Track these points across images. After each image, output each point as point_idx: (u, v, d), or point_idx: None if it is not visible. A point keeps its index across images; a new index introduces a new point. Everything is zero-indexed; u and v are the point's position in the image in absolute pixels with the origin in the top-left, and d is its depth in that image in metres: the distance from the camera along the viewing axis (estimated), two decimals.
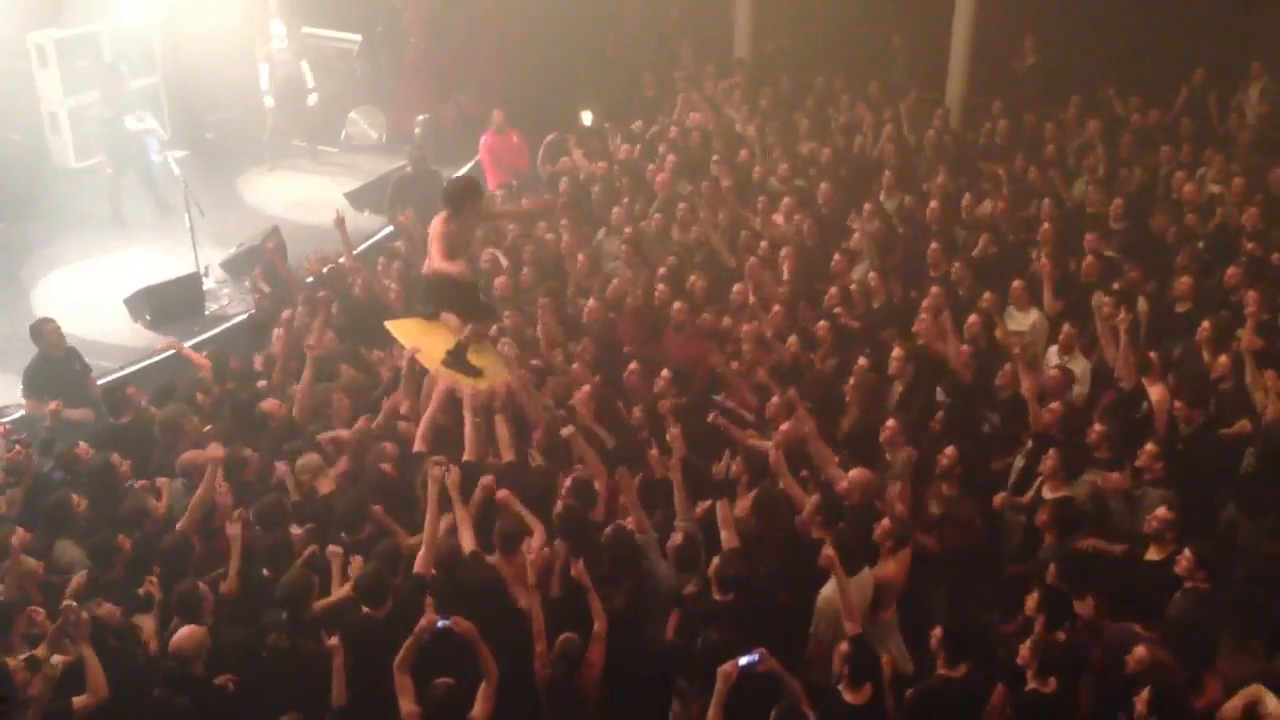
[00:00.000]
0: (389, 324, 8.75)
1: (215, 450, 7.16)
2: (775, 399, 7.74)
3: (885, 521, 6.39)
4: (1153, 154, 11.72)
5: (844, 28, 15.53)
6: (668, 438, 7.08)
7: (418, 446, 7.43)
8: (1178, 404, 7.41)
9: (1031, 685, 5.49)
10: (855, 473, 6.81)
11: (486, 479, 6.82)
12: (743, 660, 5.36)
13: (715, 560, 6.11)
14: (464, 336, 8.33)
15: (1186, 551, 6.01)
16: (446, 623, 5.54)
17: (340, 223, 10.35)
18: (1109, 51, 14.03)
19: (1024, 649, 5.54)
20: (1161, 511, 6.35)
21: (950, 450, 6.95)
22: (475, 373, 8.18)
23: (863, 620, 5.93)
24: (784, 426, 7.27)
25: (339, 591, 6.43)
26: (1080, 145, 12.23)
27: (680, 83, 14.59)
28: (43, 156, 14.02)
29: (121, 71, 13.31)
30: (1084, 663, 5.74)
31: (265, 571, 6.48)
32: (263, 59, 14.70)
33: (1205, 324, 8.18)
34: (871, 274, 9.44)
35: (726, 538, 6.33)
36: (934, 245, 9.82)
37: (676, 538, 6.39)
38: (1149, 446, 6.95)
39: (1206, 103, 12.76)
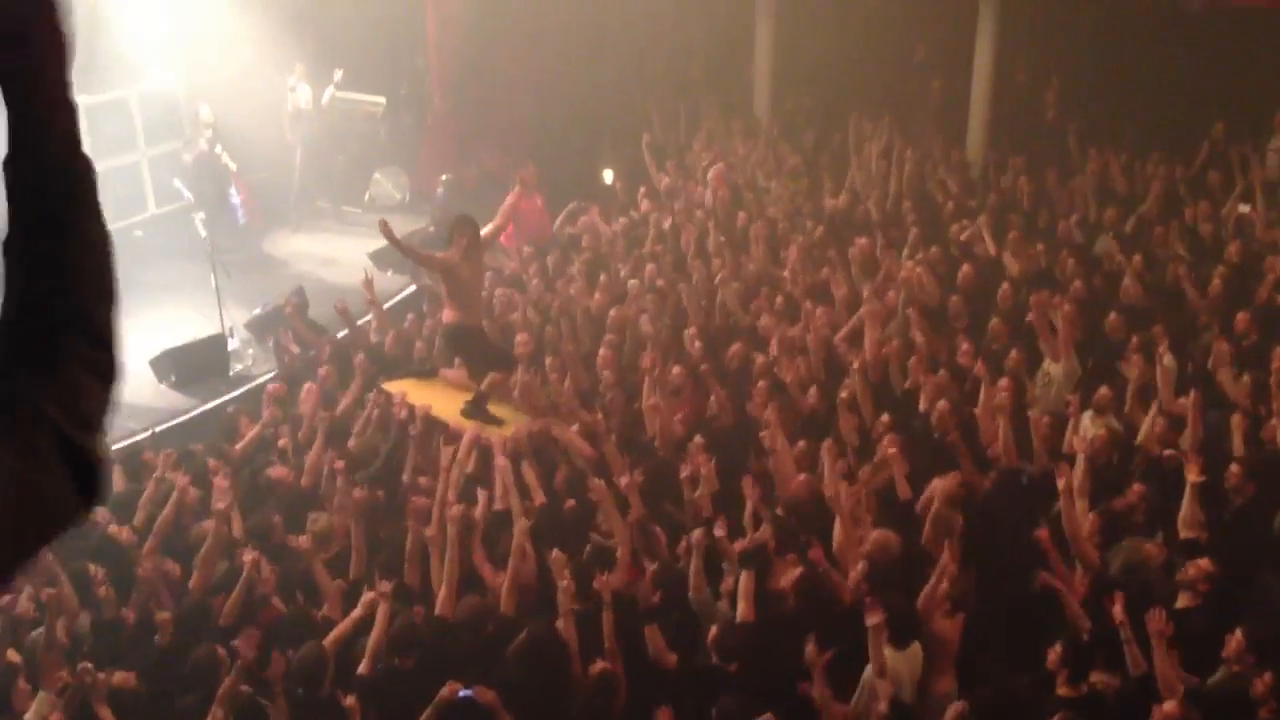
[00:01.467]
0: (386, 386, 8.79)
1: (220, 500, 7.09)
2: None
3: (943, 584, 6.22)
4: (1177, 207, 11.66)
5: (867, 79, 15.59)
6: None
7: (450, 497, 7.36)
8: (1233, 469, 7.15)
9: None
10: (879, 534, 6.70)
11: (522, 523, 6.76)
12: (461, 692, 5.37)
13: (713, 629, 6.02)
14: (484, 387, 8.43)
15: (1238, 634, 5.74)
16: (469, 693, 5.45)
17: (368, 284, 10.46)
18: (1130, 105, 13.99)
19: None
20: (1204, 562, 6.18)
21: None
22: (497, 421, 8.26)
23: (913, 696, 5.79)
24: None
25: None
26: (1098, 197, 12.19)
27: (701, 140, 14.69)
28: None
29: (201, 114, 13.52)
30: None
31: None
32: (290, 117, 14.90)
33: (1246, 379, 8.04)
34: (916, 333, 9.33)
35: (744, 610, 6.19)
36: (954, 298, 9.81)
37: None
38: (1199, 515, 6.75)
39: (1228, 157, 12.69)
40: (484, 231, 8.76)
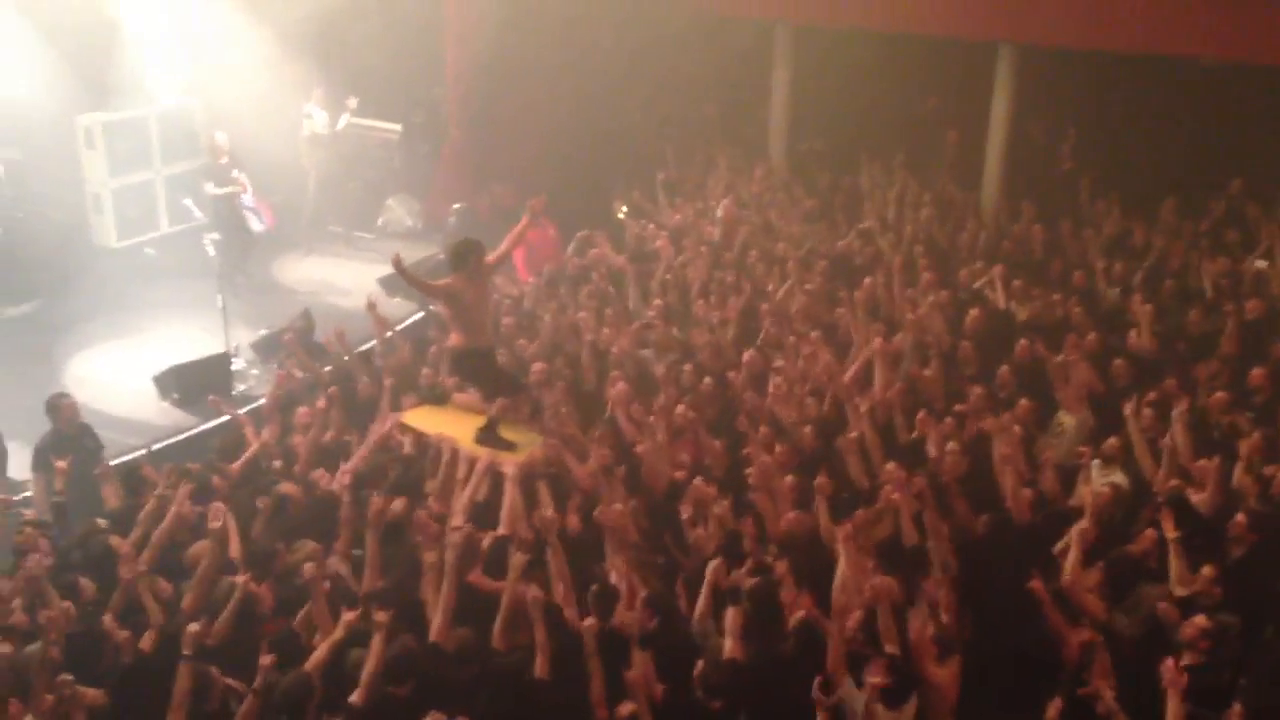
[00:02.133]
0: (403, 418, 8.77)
1: (216, 517, 7.00)
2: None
3: (930, 630, 6.12)
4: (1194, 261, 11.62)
5: (881, 125, 15.62)
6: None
7: (457, 523, 7.26)
8: (1238, 519, 7.10)
9: None
10: (880, 581, 6.58)
11: (518, 558, 6.62)
12: None
13: (700, 664, 5.93)
14: (493, 413, 8.41)
15: (1237, 707, 5.66)
16: None
17: (372, 307, 10.45)
18: (1146, 160, 13.98)
19: None
20: (1200, 619, 6.07)
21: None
22: (510, 446, 8.24)
23: None
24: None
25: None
26: (1112, 250, 12.17)
27: (715, 178, 14.72)
28: (84, 236, 14.23)
29: (218, 140, 13.66)
30: None
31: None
32: (306, 141, 14.96)
33: (1256, 436, 7.95)
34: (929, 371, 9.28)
35: (730, 647, 6.08)
36: (965, 344, 9.75)
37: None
38: (1205, 570, 6.62)
39: (1245, 213, 12.64)
40: (489, 256, 8.69)
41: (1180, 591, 6.58)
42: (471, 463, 7.94)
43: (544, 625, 6.00)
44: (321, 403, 8.99)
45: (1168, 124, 14.04)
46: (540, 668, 5.92)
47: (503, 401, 8.52)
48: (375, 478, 8.06)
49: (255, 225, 13.90)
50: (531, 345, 10.37)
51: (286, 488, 7.94)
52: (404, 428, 8.73)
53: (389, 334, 10.57)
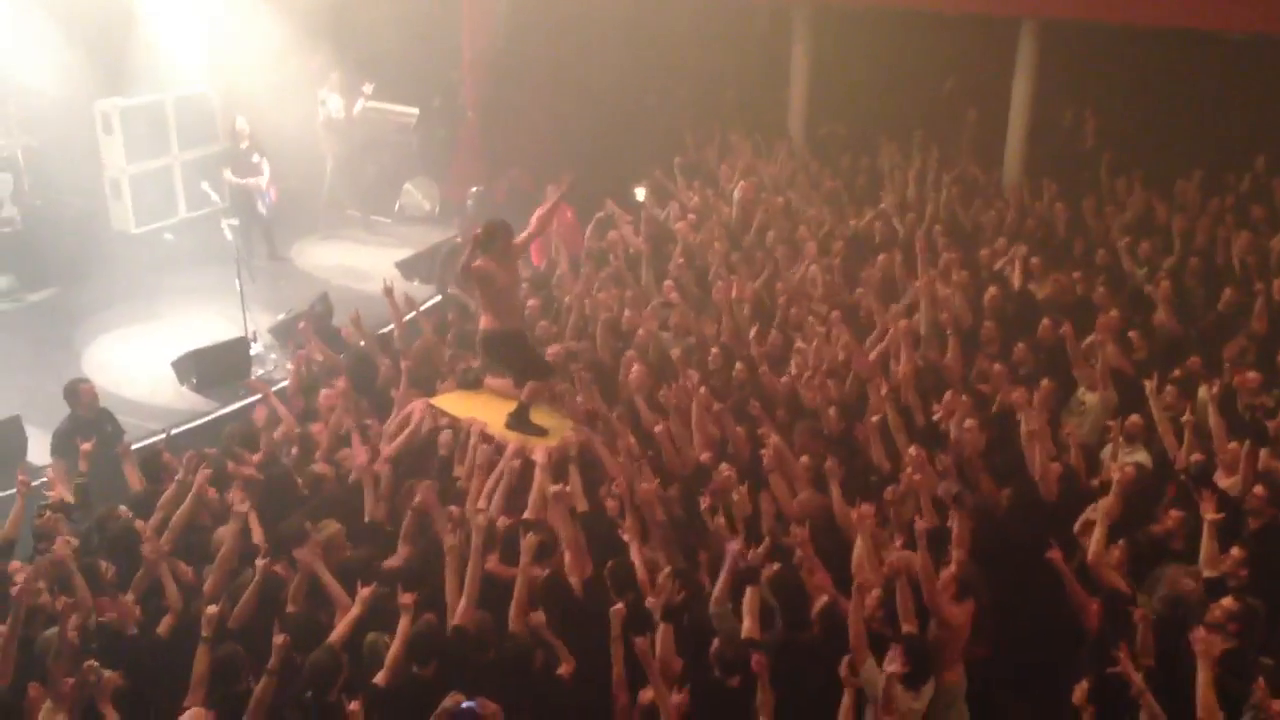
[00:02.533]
0: (434, 402, 8.72)
1: (240, 504, 7.01)
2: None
3: (951, 569, 6.15)
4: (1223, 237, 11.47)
5: (900, 106, 15.49)
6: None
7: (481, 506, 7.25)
8: (1257, 490, 6.99)
9: None
10: (898, 556, 6.52)
11: (530, 539, 6.59)
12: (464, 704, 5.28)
13: (715, 642, 5.93)
14: (524, 397, 8.35)
15: (1261, 681, 5.54)
16: (472, 704, 5.33)
17: (389, 291, 10.40)
18: (1170, 136, 13.81)
19: None
20: (1227, 601, 5.98)
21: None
22: (541, 432, 8.19)
23: None
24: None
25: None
26: (1131, 225, 12.03)
27: (733, 160, 14.62)
28: (103, 222, 14.26)
29: (238, 125, 13.72)
30: None
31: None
32: (322, 125, 14.94)
33: None
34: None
35: (748, 626, 6.11)
36: (988, 324, 9.65)
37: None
38: (1234, 551, 6.51)
39: (1271, 189, 12.46)
40: (518, 238, 8.63)
41: (1210, 573, 6.48)
42: (501, 447, 7.89)
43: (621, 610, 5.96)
44: (341, 383, 8.93)
45: (1192, 99, 13.87)
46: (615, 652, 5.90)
47: (534, 385, 8.43)
48: (409, 461, 8.07)
49: (260, 207, 13.91)
50: (553, 328, 10.34)
51: (321, 468, 7.92)
52: (436, 411, 8.65)
53: (407, 317, 10.51)
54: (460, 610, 6.21)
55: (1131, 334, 9.35)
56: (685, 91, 16.66)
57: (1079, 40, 13.81)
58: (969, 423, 7.80)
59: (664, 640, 5.95)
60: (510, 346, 8.53)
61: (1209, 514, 6.61)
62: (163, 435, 9.26)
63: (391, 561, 6.97)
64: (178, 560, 6.87)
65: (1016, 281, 10.75)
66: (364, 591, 6.31)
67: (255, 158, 13.80)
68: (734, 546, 6.38)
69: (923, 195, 13.14)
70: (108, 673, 5.67)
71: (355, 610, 6.27)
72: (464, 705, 5.33)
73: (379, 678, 5.88)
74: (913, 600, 6.01)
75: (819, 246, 11.43)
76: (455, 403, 8.77)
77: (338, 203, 15.38)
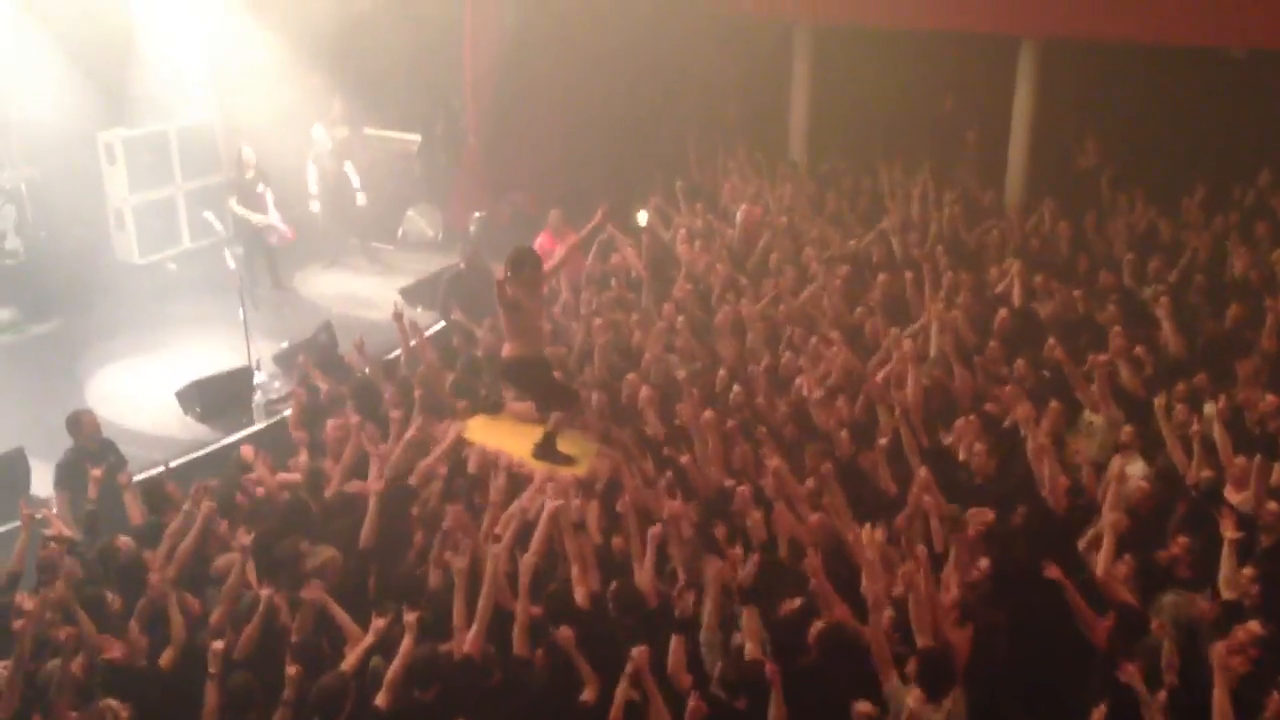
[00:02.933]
0: (460, 429, 8.60)
1: (242, 538, 7.01)
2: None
3: (953, 592, 6.16)
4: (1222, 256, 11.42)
5: (902, 126, 15.50)
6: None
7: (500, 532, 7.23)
8: (1270, 506, 6.96)
9: None
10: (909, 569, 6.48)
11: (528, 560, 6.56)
12: None
13: (720, 663, 5.93)
14: (550, 426, 8.30)
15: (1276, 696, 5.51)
16: None
17: (399, 316, 10.36)
18: (1172, 153, 13.80)
19: None
20: (1253, 625, 5.91)
21: (984, 563, 6.62)
22: (568, 460, 8.16)
23: None
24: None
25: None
26: (1135, 242, 11.99)
27: (735, 182, 14.63)
28: (106, 252, 14.26)
29: (244, 155, 13.77)
30: None
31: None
32: (311, 160, 14.96)
33: None
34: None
35: (750, 650, 6.08)
36: (993, 344, 9.61)
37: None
38: (1245, 570, 6.46)
39: (1274, 205, 12.43)
40: (546, 266, 8.68)
41: (1230, 595, 6.42)
42: (528, 478, 7.82)
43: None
44: (354, 419, 8.74)
45: (1194, 116, 13.85)
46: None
47: (558, 415, 8.40)
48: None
49: (272, 240, 13.93)
50: (560, 349, 10.31)
51: (354, 486, 7.89)
52: (462, 440, 8.54)
53: (412, 343, 10.46)
54: (470, 638, 6.14)
55: (1138, 350, 9.30)
56: (688, 111, 16.68)
57: (1080, 58, 13.83)
58: (978, 446, 7.77)
59: (675, 652, 5.95)
60: (534, 373, 8.54)
61: (1229, 532, 6.53)
62: (161, 467, 9.24)
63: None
64: (183, 590, 6.83)
65: (1017, 299, 10.71)
66: (378, 623, 6.30)
67: (260, 188, 13.82)
68: (714, 570, 6.37)
69: (925, 215, 13.13)
70: (124, 714, 5.63)
71: (369, 639, 6.26)
72: None
73: (379, 699, 5.85)
74: (928, 613, 5.96)
75: (824, 268, 11.40)
76: (480, 430, 8.70)
77: (334, 233, 15.38)
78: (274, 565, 7.04)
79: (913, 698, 5.59)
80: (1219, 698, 5.45)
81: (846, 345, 9.60)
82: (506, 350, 8.44)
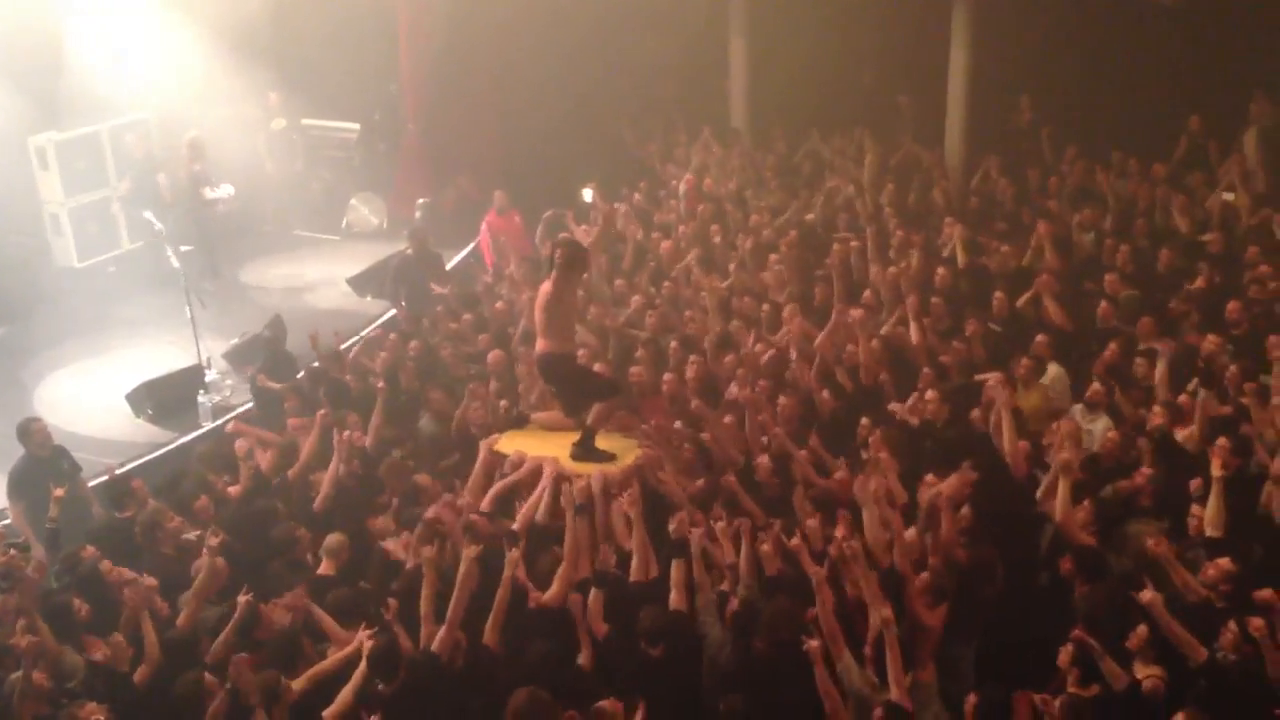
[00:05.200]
0: (496, 446, 8.30)
1: (211, 539, 6.89)
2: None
3: (926, 575, 6.20)
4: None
5: (841, 93, 15.58)
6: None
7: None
8: (1221, 442, 7.08)
9: None
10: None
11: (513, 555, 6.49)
12: None
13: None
14: (591, 422, 7.99)
15: (1232, 624, 5.68)
16: None
17: (314, 339, 10.43)
18: (1106, 103, 14.00)
19: (1054, 707, 5.31)
20: (1224, 562, 6.07)
21: (966, 510, 6.75)
22: (609, 457, 7.88)
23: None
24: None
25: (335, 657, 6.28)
26: (1074, 196, 12.18)
27: (678, 155, 14.69)
28: (45, 258, 14.02)
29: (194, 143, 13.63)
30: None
31: None
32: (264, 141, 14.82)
33: (1233, 368, 8.00)
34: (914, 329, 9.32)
35: (675, 598, 6.26)
36: (935, 300, 9.77)
37: (734, 603, 6.23)
38: (1195, 509, 6.64)
39: (1207, 149, 12.66)
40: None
41: (1213, 533, 6.57)
42: (571, 480, 7.56)
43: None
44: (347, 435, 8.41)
45: (1128, 66, 14.04)
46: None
47: (599, 409, 8.01)
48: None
49: (220, 209, 13.85)
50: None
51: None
52: (500, 454, 8.22)
53: (364, 333, 10.42)
54: (440, 639, 6.05)
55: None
56: (626, 88, 16.67)
57: (1013, 14, 13.94)
58: (930, 394, 7.91)
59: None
60: (569, 369, 8.10)
61: (1218, 470, 6.69)
62: (121, 470, 9.15)
63: None
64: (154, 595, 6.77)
65: (961, 259, 10.85)
66: (365, 633, 6.26)
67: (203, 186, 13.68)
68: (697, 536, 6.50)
69: (870, 179, 13.24)
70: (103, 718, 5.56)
71: (349, 649, 6.26)
72: None
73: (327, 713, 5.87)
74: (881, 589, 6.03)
75: (774, 236, 11.48)
76: (516, 444, 8.27)
77: (284, 222, 15.23)
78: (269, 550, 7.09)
79: (863, 679, 5.69)
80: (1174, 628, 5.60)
81: (800, 313, 9.69)
82: (540, 347, 7.93)
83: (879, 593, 5.94)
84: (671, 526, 6.71)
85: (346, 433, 8.26)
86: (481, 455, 8.15)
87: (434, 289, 11.99)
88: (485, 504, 7.61)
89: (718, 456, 7.97)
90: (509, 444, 8.25)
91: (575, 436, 8.07)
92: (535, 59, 15.50)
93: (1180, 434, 7.54)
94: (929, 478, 7.06)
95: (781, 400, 8.41)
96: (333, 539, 7.26)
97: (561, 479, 7.59)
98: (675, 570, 6.38)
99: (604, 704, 5.40)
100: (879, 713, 5.42)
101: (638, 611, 6.15)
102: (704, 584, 6.42)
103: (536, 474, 7.79)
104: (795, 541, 6.35)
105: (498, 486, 7.81)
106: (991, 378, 8.00)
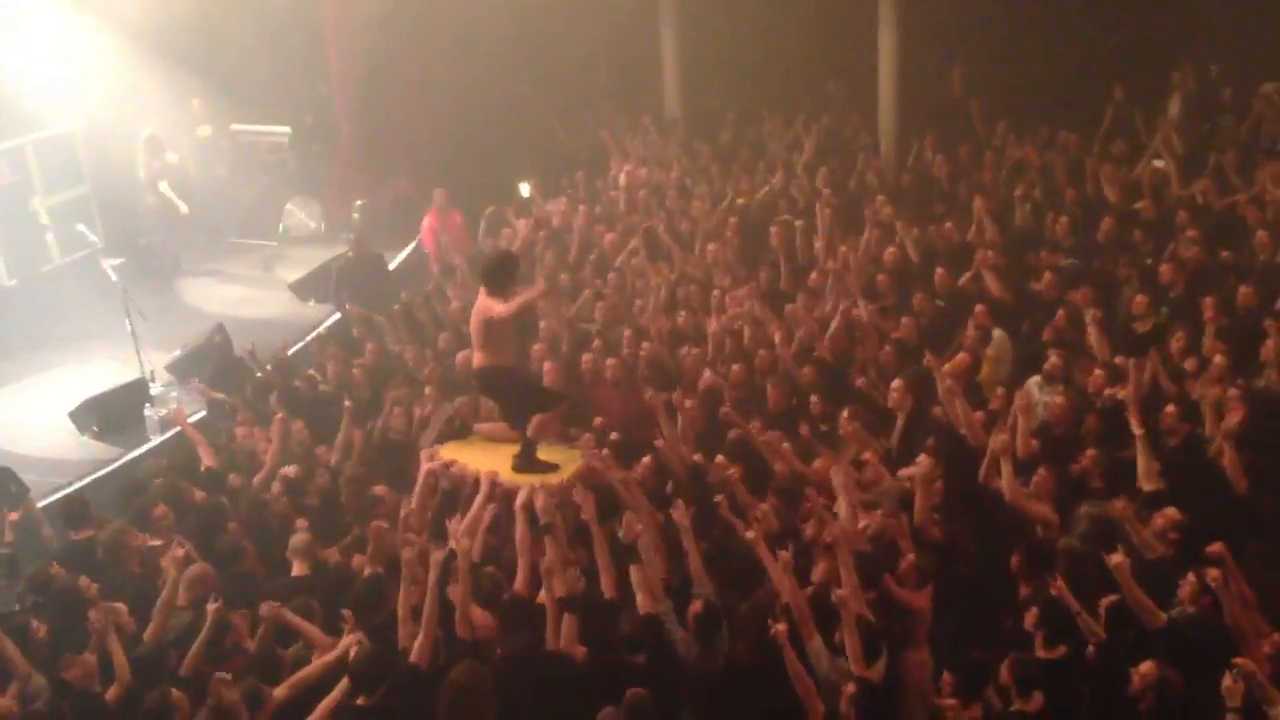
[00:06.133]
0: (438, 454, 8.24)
1: (175, 551, 6.87)
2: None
3: (911, 557, 6.31)
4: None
5: (775, 78, 15.70)
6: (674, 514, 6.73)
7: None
8: (1168, 410, 7.32)
9: (1016, 705, 5.42)
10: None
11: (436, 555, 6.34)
12: None
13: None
14: (531, 433, 7.83)
15: (1191, 576, 5.85)
16: None
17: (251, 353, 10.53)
18: (1033, 77, 14.25)
19: (1003, 670, 5.46)
20: (1171, 511, 6.25)
21: (938, 486, 6.88)
22: (551, 468, 7.73)
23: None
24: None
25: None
26: (1012, 171, 12.40)
27: (611, 142, 14.74)
28: None
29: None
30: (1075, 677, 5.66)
31: None
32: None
33: (1180, 334, 8.26)
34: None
35: (643, 602, 6.20)
36: (882, 276, 9.92)
37: (696, 605, 6.13)
38: (1154, 465, 6.82)
39: (1133, 119, 12.95)
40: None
41: (1148, 486, 6.76)
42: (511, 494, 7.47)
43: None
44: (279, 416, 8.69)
45: (1053, 37, 14.30)
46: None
47: (540, 420, 7.89)
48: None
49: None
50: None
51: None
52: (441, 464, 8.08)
53: (306, 340, 10.34)
54: (418, 648, 6.01)
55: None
56: (558, 82, 16.65)
57: None
58: (896, 383, 8.06)
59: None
60: (507, 381, 7.93)
61: (1136, 428, 6.88)
62: (70, 488, 9.02)
63: None
64: (117, 607, 6.69)
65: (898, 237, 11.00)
66: (349, 639, 6.25)
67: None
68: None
69: (804, 162, 13.37)
70: None
71: (334, 654, 6.22)
72: None
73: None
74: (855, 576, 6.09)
75: (716, 223, 11.57)
76: (458, 454, 8.20)
77: (219, 230, 15.03)
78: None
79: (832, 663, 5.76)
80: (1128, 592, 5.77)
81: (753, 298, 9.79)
82: (477, 360, 7.82)
83: (854, 577, 6.00)
84: (621, 532, 6.73)
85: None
86: (423, 468, 7.99)
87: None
88: (416, 518, 7.45)
89: (669, 458, 7.85)
90: (452, 454, 8.14)
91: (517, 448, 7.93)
92: (464, 55, 15.41)
93: (1121, 393, 7.72)
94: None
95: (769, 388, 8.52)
96: (298, 539, 7.22)
97: (497, 487, 7.53)
98: (634, 574, 6.30)
99: None
100: (850, 689, 5.47)
101: (613, 626, 6.12)
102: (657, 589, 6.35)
103: (475, 487, 7.68)
104: (751, 534, 6.30)
105: (425, 500, 7.69)
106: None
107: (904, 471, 7.24)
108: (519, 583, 6.60)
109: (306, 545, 7.20)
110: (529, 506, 7.06)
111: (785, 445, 7.75)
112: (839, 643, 5.81)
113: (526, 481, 7.50)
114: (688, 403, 8.33)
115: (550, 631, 6.08)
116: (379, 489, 7.95)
